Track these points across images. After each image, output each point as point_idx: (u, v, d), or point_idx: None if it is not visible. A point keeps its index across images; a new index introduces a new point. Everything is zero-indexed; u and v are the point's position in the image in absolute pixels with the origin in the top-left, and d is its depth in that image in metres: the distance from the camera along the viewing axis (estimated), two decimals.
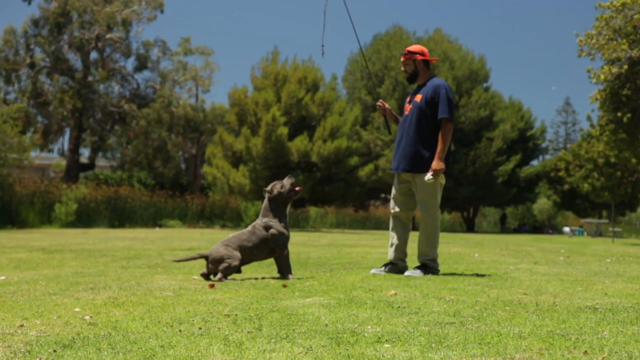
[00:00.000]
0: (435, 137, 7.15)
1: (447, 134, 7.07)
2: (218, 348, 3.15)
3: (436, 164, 7.01)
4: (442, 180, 7.15)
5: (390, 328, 3.71)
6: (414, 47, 7.43)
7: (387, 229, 44.22)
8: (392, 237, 7.46)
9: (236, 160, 35.39)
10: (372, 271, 7.32)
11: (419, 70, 7.38)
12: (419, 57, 7.36)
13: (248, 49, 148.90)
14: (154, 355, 2.99)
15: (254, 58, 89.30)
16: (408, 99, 7.46)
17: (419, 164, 7.16)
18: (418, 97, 7.26)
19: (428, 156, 7.14)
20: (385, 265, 7.43)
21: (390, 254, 7.44)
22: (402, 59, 7.43)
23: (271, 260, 8.86)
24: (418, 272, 7.16)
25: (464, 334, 3.51)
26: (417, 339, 3.38)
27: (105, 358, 2.94)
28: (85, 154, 47.37)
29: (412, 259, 8.33)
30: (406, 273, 7.18)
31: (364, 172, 37.98)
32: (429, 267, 7.25)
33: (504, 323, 3.90)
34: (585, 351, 3.08)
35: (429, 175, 7.02)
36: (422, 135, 7.18)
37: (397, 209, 7.41)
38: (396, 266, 7.36)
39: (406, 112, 7.36)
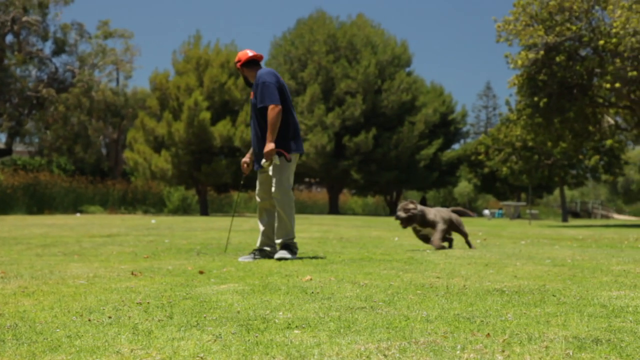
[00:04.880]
0: None
1: (273, 118, 7.29)
2: (126, 337, 3.14)
3: (265, 147, 7.28)
4: (277, 161, 7.31)
5: (302, 314, 3.74)
6: (236, 57, 7.77)
7: (311, 213, 44.44)
8: (259, 225, 7.67)
9: (158, 145, 35.01)
10: (240, 259, 7.40)
11: (245, 73, 7.70)
12: (239, 65, 7.70)
13: (169, 33, 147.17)
14: (60, 346, 2.96)
15: (176, 42, 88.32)
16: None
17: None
18: (252, 95, 7.59)
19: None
20: (254, 251, 7.59)
21: (258, 241, 7.68)
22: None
23: (189, 247, 8.86)
24: (287, 254, 7.31)
25: (373, 319, 3.56)
26: (326, 325, 3.42)
27: (8, 350, 2.89)
28: (1, 139, 46.21)
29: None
30: (276, 256, 7.30)
31: None
32: (291, 246, 7.42)
33: (414, 307, 3.97)
34: (488, 334, 3.16)
35: (263, 161, 7.32)
36: (262, 129, 7.47)
37: (260, 200, 7.63)
38: (264, 252, 7.56)
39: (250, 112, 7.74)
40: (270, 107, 7.29)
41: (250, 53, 7.63)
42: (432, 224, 8.73)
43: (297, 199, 47.79)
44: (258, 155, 7.51)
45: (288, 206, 7.31)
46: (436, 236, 8.71)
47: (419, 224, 8.75)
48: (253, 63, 7.65)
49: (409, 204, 8.66)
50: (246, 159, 7.76)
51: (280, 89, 7.39)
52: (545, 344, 2.94)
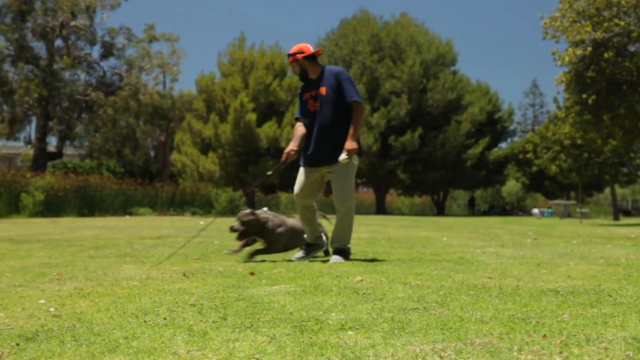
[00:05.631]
0: (349, 123, 7.20)
1: (360, 115, 7.17)
2: (182, 338, 3.17)
3: (350, 144, 7.06)
4: (356, 161, 7.20)
5: (355, 315, 3.74)
6: (293, 48, 7.45)
7: (358, 213, 44.35)
8: (303, 222, 7.52)
9: (205, 147, 35.27)
10: (294, 258, 7.35)
11: (306, 67, 7.39)
12: (300, 56, 7.36)
13: (214, 35, 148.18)
14: (117, 347, 3.00)
15: (221, 44, 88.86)
16: (308, 95, 7.38)
17: (339, 153, 7.19)
18: (322, 90, 7.26)
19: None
20: (304, 247, 7.50)
21: (307, 236, 7.55)
22: (289, 62, 7.52)
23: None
24: (342, 259, 7.19)
25: (427, 320, 3.55)
26: (380, 326, 3.41)
27: (68, 351, 2.94)
28: (52, 142, 47.00)
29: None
30: (332, 260, 7.15)
31: None
32: (346, 251, 7.30)
33: (467, 308, 3.95)
34: (545, 335, 3.13)
35: (343, 156, 7.04)
36: (339, 125, 7.22)
37: (305, 200, 7.41)
38: (313, 246, 7.51)
39: (314, 109, 7.31)
40: (359, 103, 7.15)
41: (311, 48, 7.47)
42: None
43: None
44: (318, 152, 7.29)
45: (352, 211, 7.23)
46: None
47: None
48: (313, 58, 7.43)
49: (249, 214, 7.54)
50: (294, 147, 7.35)
51: None
52: (604, 345, 2.90)
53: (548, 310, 3.82)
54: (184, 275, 5.84)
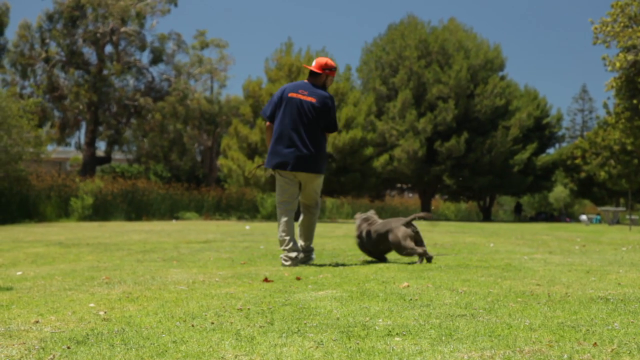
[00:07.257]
0: None
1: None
2: (230, 343, 3.18)
3: None
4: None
5: (402, 321, 3.73)
6: (333, 63, 7.60)
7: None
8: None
9: (251, 152, 35.41)
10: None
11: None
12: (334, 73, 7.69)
13: (262, 41, 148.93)
14: (166, 351, 3.02)
15: (268, 49, 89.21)
16: None
17: None
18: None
19: None
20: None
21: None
22: (334, 75, 7.64)
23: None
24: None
25: (475, 327, 3.52)
26: (427, 332, 3.40)
27: (118, 354, 2.97)
28: (101, 147, 47.62)
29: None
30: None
31: (379, 162, 37.94)
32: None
33: (515, 315, 3.91)
34: (595, 343, 3.09)
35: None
36: None
37: None
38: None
39: None
40: None
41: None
42: None
43: (389, 204, 47.75)
44: None
45: None
46: None
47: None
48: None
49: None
50: None
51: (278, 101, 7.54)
52: None
53: (598, 318, 3.77)
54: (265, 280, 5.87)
